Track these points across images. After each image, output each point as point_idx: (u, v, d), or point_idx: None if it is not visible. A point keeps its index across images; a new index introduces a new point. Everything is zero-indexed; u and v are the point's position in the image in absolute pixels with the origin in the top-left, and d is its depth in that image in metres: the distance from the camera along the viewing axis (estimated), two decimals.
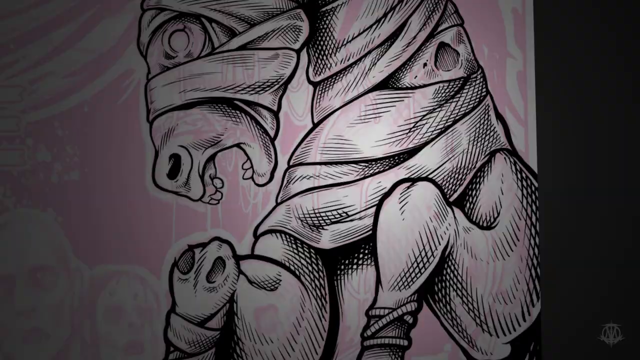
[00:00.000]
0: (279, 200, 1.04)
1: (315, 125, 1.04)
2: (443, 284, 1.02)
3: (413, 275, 1.01)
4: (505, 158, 1.04)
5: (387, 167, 1.03)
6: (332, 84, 1.04)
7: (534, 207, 1.04)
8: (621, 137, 1.28)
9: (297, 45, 1.04)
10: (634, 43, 1.26)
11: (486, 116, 1.04)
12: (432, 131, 1.03)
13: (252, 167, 1.04)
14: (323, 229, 1.03)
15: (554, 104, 1.12)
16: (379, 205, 1.03)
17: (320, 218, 1.03)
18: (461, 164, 1.04)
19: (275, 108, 1.04)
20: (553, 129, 1.12)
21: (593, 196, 1.41)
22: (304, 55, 1.04)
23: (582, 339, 1.44)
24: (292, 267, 1.02)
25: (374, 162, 1.03)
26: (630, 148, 1.32)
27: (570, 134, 1.17)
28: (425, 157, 1.04)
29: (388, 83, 1.04)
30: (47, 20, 1.06)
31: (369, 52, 1.04)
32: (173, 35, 1.04)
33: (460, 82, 1.04)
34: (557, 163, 1.13)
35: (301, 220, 1.03)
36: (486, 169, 1.05)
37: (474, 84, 1.04)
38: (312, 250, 1.03)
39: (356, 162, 1.04)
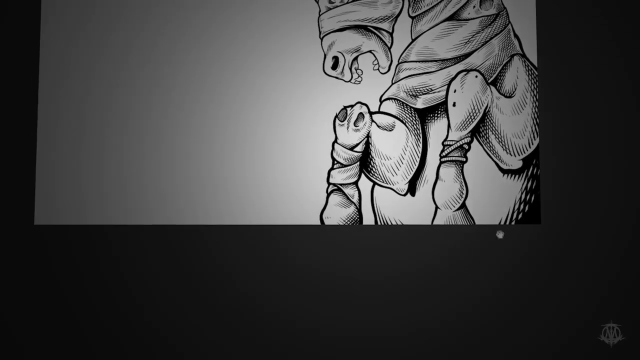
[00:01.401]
0: (393, 81, 1.71)
1: (413, 40, 1.73)
2: (484, 128, 1.68)
3: (468, 122, 1.68)
4: (519, 58, 1.70)
5: (454, 63, 1.68)
6: (422, 17, 1.72)
7: (535, 85, 1.70)
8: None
9: None
10: None
11: (508, 35, 1.72)
12: (479, 43, 1.71)
13: (378, 63, 1.70)
14: (418, 97, 1.69)
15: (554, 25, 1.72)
16: (448, 85, 1.69)
17: (416, 91, 1.71)
18: (495, 61, 1.69)
19: (391, 31, 1.71)
20: (553, 38, 1.70)
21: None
22: (406, 1, 1.74)
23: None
24: (401, 118, 1.69)
25: (447, 60, 1.69)
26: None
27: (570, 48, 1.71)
28: (475, 58, 1.68)
29: (454, 17, 1.72)
30: None
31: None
32: None
33: (494, 16, 1.72)
34: (556, 61, 1.67)
35: (405, 93, 1.70)
36: (509, 63, 1.69)
37: (502, 17, 1.72)
38: (412, 108, 1.69)
39: (435, 61, 1.70)
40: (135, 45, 1.72)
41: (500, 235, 1.53)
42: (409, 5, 1.73)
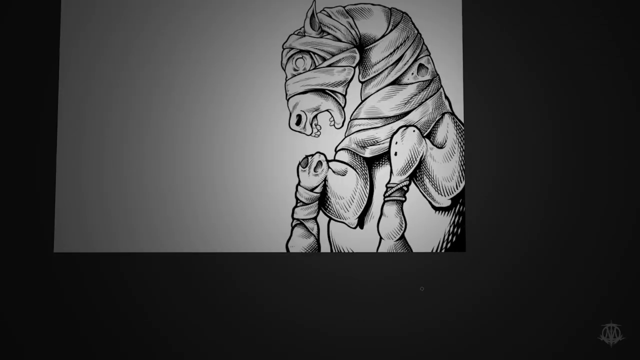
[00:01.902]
0: (345, 135, 1.89)
1: (363, 101, 1.92)
2: (420, 173, 1.88)
3: (407, 168, 1.88)
4: (449, 115, 1.90)
5: (395, 120, 1.88)
6: (370, 82, 1.90)
7: (462, 138, 1.89)
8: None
9: (354, 64, 1.89)
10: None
11: (440, 97, 1.93)
12: (416, 103, 1.90)
13: (334, 120, 1.89)
14: (366, 148, 1.89)
15: (480, 90, 1.93)
16: (391, 138, 1.89)
17: (364, 143, 1.89)
18: (429, 118, 1.89)
19: (344, 93, 1.90)
20: (478, 98, 1.91)
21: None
22: (357, 69, 1.92)
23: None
24: (352, 165, 1.88)
25: (390, 118, 1.89)
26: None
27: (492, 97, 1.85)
28: (413, 116, 1.89)
29: (396, 82, 1.90)
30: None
31: (387, 68, 1.90)
32: (297, 60, 1.88)
33: (429, 82, 1.91)
34: (480, 118, 1.91)
35: (356, 144, 1.89)
36: (441, 120, 1.89)
37: (435, 82, 1.91)
38: (361, 157, 1.88)
39: (380, 118, 1.89)
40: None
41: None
42: (359, 73, 2.00)
